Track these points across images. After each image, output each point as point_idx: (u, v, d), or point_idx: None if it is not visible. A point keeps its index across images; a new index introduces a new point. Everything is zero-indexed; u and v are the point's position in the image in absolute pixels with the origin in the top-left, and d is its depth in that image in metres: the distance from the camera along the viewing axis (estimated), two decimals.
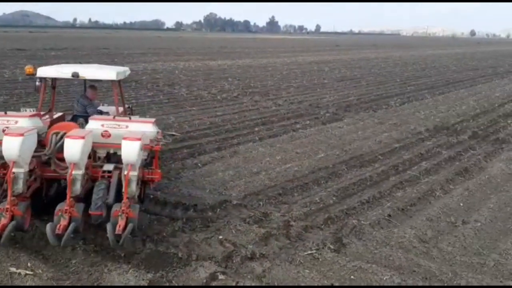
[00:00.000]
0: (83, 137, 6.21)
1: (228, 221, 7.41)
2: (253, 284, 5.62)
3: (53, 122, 7.79)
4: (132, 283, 5.51)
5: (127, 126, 6.90)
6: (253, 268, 6.01)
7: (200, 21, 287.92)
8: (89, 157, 6.71)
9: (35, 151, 6.45)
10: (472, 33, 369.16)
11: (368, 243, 6.82)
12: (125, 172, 6.35)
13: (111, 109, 8.98)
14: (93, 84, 8.91)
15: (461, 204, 8.62)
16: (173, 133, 9.84)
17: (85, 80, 8.73)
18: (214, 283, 5.61)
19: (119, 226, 5.97)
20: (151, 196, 8.23)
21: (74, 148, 6.16)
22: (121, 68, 8.55)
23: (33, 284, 5.38)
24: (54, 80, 8.36)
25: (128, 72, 8.74)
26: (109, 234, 5.89)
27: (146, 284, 5.49)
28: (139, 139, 6.29)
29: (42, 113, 7.91)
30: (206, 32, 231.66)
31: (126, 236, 5.93)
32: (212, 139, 12.78)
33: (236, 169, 10.20)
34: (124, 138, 6.31)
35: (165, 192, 8.55)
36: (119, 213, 6.07)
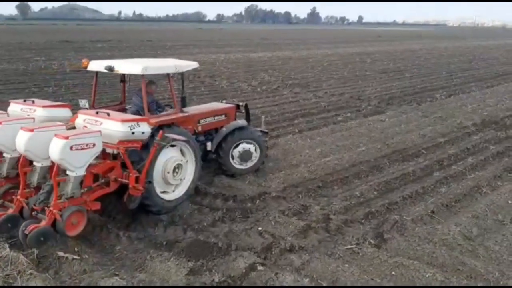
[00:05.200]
0: (31, 130, 6.16)
1: (267, 213, 7.44)
2: (292, 276, 5.62)
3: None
4: (173, 271, 5.64)
5: (101, 123, 6.59)
6: (292, 260, 6.02)
7: (241, 13, 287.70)
8: None
9: None
10: None
11: (410, 239, 6.68)
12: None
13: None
14: (151, 80, 8.19)
15: (510, 202, 8.26)
16: (263, 129, 9.83)
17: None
18: (253, 274, 5.66)
19: (30, 226, 5.81)
20: None
21: (21, 140, 6.17)
22: (163, 63, 8.16)
23: (80, 268, 5.59)
24: (123, 74, 8.20)
25: (187, 67, 8.07)
26: (20, 232, 5.89)
27: (186, 272, 5.61)
28: (66, 138, 5.85)
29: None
30: (247, 24, 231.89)
31: (33, 238, 5.70)
32: None
33: (275, 161, 10.21)
34: (55, 135, 5.99)
35: (205, 182, 8.68)
36: (46, 213, 5.97)
